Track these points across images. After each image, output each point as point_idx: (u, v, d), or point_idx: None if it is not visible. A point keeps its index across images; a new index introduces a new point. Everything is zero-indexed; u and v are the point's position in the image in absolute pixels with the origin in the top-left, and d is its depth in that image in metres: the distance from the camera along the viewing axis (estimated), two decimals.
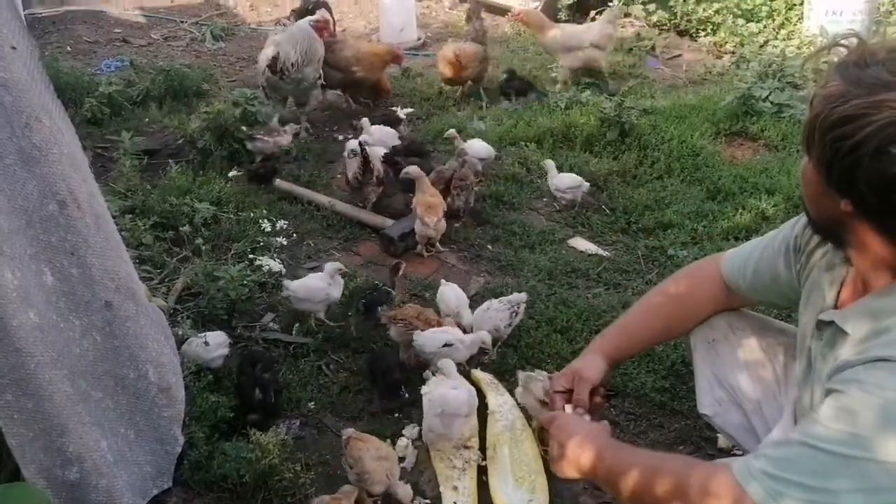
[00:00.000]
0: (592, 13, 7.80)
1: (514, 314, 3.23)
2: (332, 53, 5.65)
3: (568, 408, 2.12)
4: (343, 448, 2.55)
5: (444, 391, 2.73)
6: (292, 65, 5.17)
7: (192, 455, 2.59)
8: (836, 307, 1.69)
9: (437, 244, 4.07)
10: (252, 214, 4.22)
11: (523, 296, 3.34)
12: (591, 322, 3.45)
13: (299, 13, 5.71)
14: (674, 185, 4.70)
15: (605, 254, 4.07)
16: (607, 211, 4.51)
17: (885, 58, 1.40)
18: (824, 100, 1.44)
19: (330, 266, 3.42)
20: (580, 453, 1.83)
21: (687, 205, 4.46)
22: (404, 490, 2.54)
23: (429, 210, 3.93)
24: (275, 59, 5.21)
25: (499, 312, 3.21)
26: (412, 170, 4.15)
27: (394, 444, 2.81)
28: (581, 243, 4.17)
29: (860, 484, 1.34)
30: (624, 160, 4.94)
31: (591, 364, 2.20)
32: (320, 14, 5.43)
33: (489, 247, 4.16)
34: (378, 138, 4.86)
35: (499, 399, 2.95)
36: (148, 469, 2.47)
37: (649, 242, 4.14)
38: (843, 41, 1.52)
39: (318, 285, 3.37)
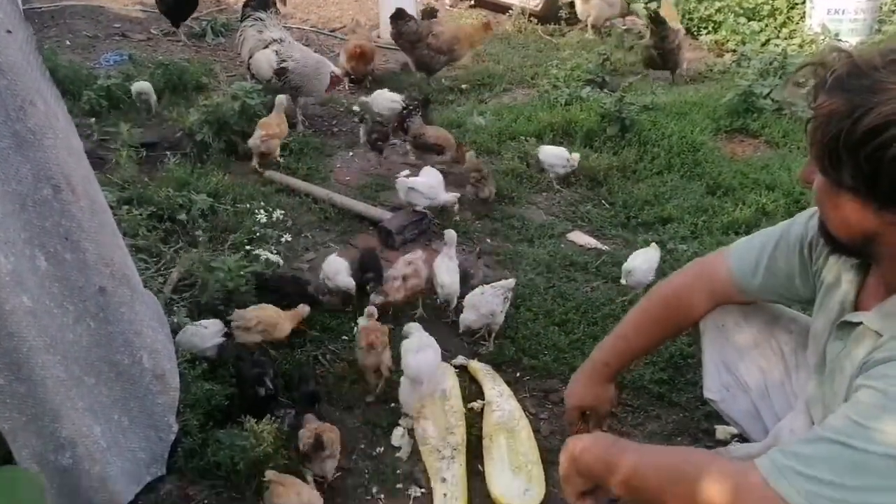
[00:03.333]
0: None
1: (505, 300, 3.24)
2: (436, 38, 6.03)
3: None
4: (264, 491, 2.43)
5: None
6: (294, 87, 5.38)
7: (186, 443, 2.57)
8: (855, 309, 1.66)
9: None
10: (249, 206, 4.19)
11: (511, 282, 3.35)
12: (589, 315, 3.44)
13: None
14: (674, 180, 4.68)
15: (604, 248, 4.05)
16: (607, 205, 4.49)
17: (881, 63, 1.37)
18: (832, 118, 1.39)
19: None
20: (591, 457, 1.78)
21: (687, 200, 4.45)
22: None
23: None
24: (284, 69, 5.34)
25: (494, 297, 3.20)
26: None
27: (389, 434, 2.81)
28: (580, 237, 4.15)
29: (894, 481, 1.30)
30: (624, 155, 4.92)
31: (604, 395, 2.37)
32: (342, 71, 5.79)
33: (488, 240, 4.15)
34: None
35: (495, 389, 2.93)
36: (142, 456, 2.45)
37: (649, 237, 4.11)
38: (801, 71, 1.51)
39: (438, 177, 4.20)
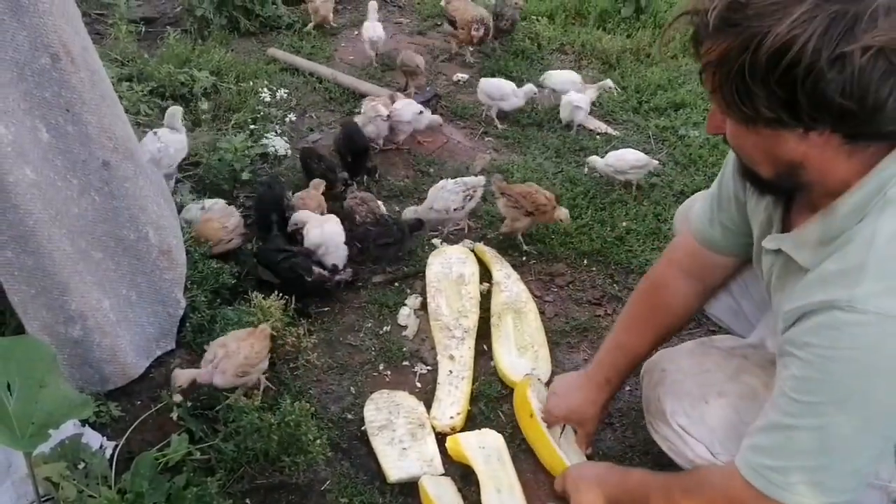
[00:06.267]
0: None
1: (468, 198, 3.12)
2: None
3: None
4: None
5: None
6: None
7: (194, 318, 2.59)
8: (783, 228, 1.59)
9: None
10: (252, 84, 4.09)
11: (481, 179, 3.23)
12: (598, 200, 3.41)
13: None
14: (688, 64, 4.56)
15: (614, 133, 3.98)
16: (619, 90, 4.38)
17: None
18: (728, 56, 1.27)
19: None
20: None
21: (701, 84, 4.32)
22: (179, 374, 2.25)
23: None
24: None
25: (451, 194, 3.10)
26: None
27: (395, 313, 2.83)
28: (591, 122, 4.06)
29: (852, 442, 1.36)
30: (638, 38, 4.78)
31: (599, 414, 2.21)
32: None
33: (496, 123, 4.07)
34: None
35: (503, 271, 2.94)
36: (151, 330, 2.48)
37: (660, 122, 4.04)
38: (674, 24, 1.41)
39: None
